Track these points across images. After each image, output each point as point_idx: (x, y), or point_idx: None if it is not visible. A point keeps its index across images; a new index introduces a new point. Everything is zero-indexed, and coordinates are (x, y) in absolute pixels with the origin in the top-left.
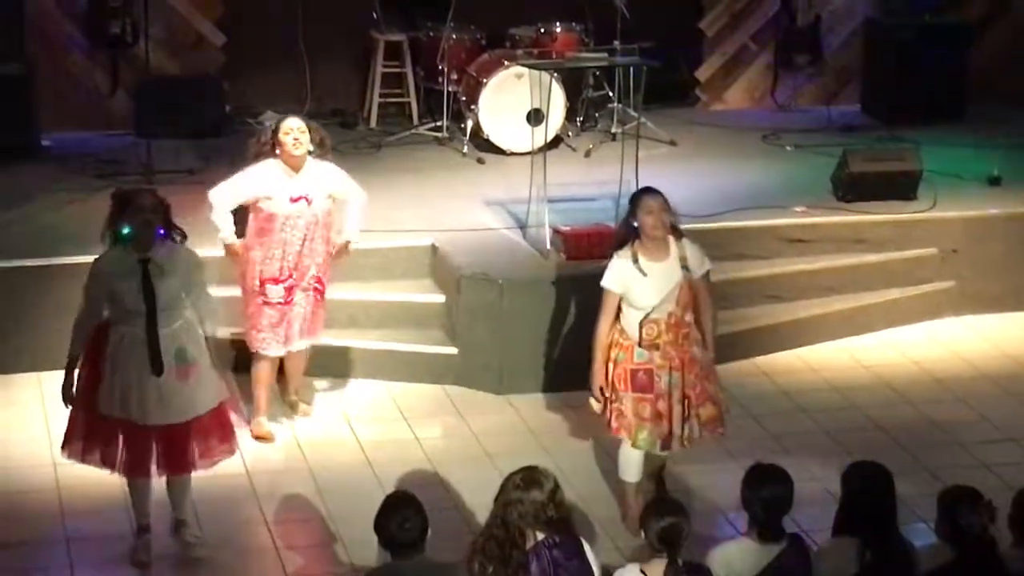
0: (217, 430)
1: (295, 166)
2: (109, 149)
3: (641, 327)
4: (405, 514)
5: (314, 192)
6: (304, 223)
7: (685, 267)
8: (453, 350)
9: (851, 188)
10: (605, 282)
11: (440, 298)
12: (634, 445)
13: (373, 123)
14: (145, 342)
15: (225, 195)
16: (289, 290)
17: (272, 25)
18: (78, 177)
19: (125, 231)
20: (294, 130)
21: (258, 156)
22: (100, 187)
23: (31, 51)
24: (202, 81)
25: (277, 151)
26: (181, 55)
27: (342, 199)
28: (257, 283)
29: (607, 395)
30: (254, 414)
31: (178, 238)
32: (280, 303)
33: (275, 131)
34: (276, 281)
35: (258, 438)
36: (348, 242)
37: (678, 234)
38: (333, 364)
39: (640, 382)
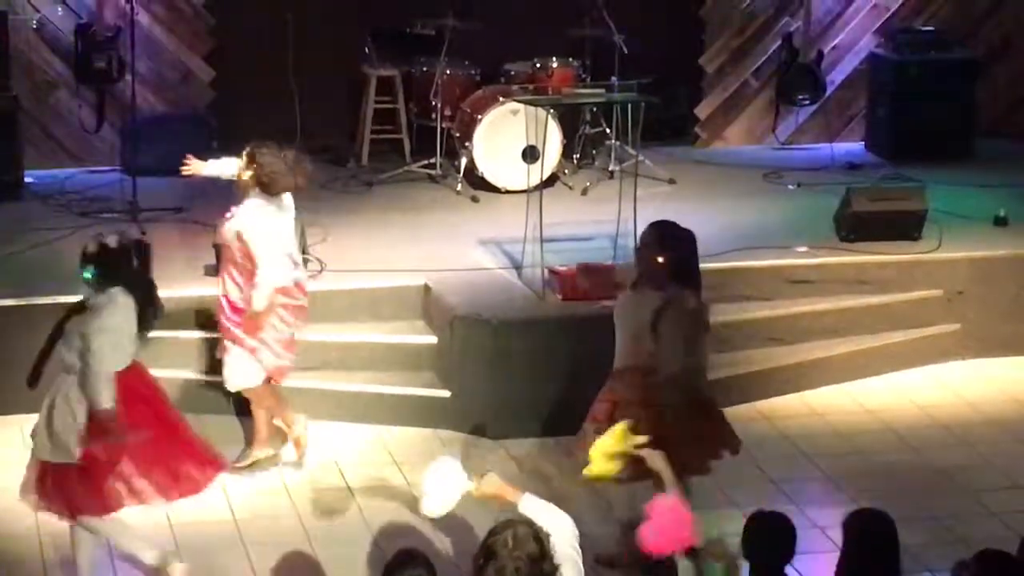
0: None
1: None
2: (94, 186)
3: None
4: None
5: None
6: None
7: None
8: (446, 393)
9: (855, 228)
10: None
11: (432, 339)
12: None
13: (365, 160)
14: None
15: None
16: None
17: (262, 60)
18: (62, 215)
19: None
20: None
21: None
22: (84, 225)
23: (15, 86)
24: (190, 117)
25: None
26: (168, 90)
27: None
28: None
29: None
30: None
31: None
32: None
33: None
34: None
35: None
36: None
37: None
38: (322, 407)
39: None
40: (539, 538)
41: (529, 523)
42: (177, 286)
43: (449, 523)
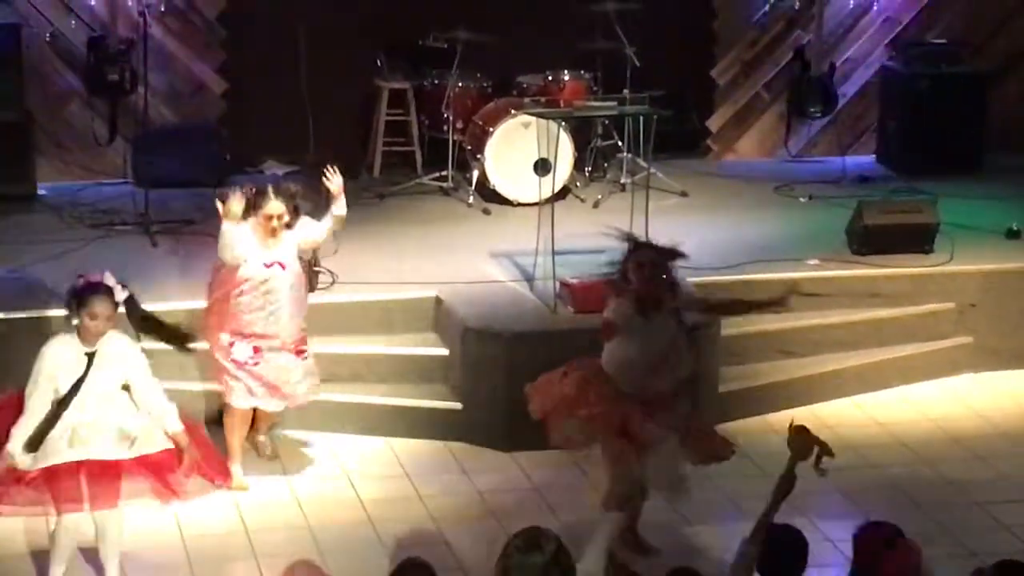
0: None
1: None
2: (106, 198)
3: None
4: None
5: (288, 257)
6: (279, 288)
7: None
8: (457, 405)
9: (866, 241)
10: None
11: (444, 352)
12: None
13: (376, 172)
14: None
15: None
16: (256, 350)
17: (274, 72)
18: (74, 227)
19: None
20: (275, 217)
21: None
22: (95, 237)
23: (29, 99)
24: (202, 129)
25: (253, 213)
26: (181, 103)
27: (311, 235)
28: (227, 339)
29: None
30: (228, 463)
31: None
32: (247, 363)
33: (256, 204)
34: (245, 337)
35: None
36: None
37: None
38: (334, 419)
39: None
40: (556, 549)
41: (546, 532)
42: (187, 298)
43: (459, 533)
